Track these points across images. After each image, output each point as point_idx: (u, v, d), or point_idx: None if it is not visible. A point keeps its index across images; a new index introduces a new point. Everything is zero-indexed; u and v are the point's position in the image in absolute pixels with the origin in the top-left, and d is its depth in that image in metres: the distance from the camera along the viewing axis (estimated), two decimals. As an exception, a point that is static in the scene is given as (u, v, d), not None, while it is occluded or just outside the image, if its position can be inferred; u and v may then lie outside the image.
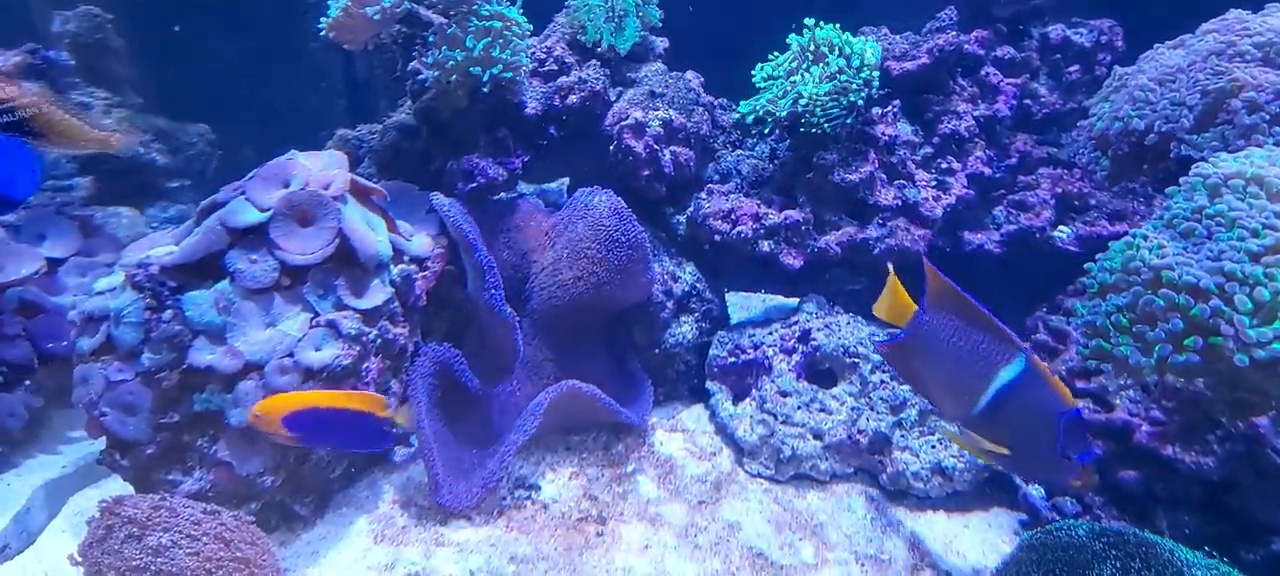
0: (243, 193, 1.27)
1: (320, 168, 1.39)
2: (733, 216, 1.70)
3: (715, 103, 1.91)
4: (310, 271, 1.26)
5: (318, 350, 1.21)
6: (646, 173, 1.71)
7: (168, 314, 1.14)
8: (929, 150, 1.79)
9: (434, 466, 1.28)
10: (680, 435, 1.60)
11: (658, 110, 1.74)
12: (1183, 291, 1.01)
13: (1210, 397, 1.05)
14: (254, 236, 1.23)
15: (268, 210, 1.24)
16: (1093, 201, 1.73)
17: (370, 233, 1.36)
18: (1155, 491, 1.20)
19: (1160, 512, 1.18)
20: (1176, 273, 1.03)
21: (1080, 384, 1.43)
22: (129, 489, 1.19)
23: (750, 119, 1.69)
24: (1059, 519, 1.31)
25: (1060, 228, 1.73)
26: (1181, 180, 1.15)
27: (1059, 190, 1.75)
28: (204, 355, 1.14)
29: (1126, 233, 1.58)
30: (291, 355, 1.18)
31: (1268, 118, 1.20)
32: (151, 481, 1.16)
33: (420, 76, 1.68)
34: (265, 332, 1.19)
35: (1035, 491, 1.39)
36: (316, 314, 1.24)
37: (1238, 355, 0.94)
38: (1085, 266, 1.21)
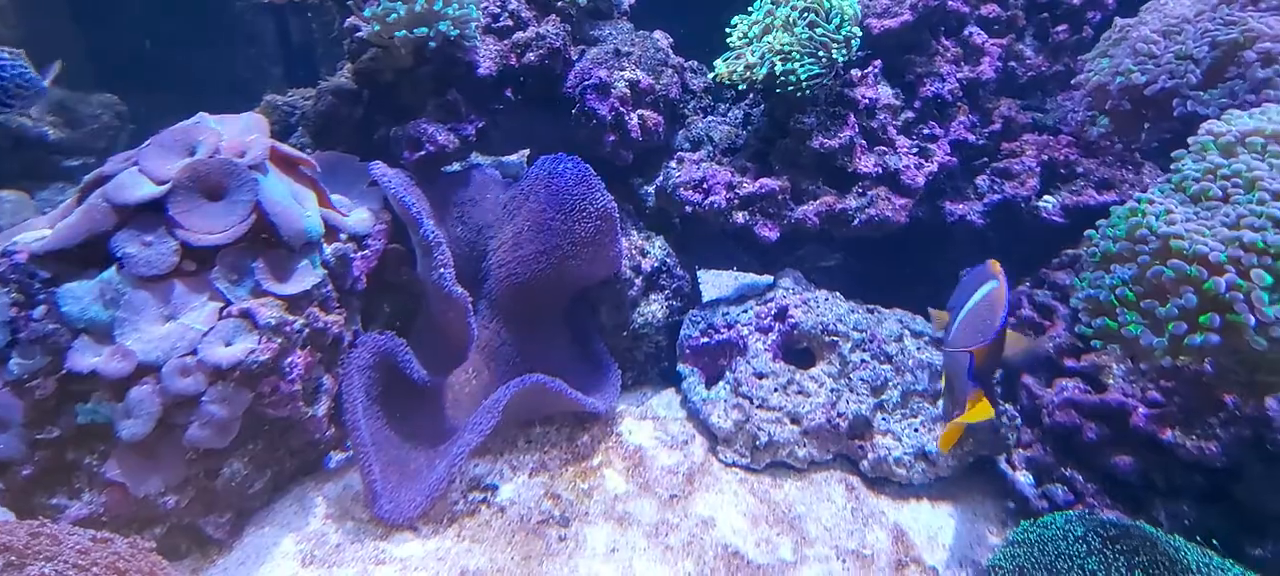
0: (135, 163, 1.09)
1: (234, 133, 1.22)
2: (705, 186, 1.57)
3: (685, 65, 1.78)
4: (220, 253, 1.09)
5: (228, 345, 1.04)
6: (612, 138, 1.57)
7: (40, 310, 0.96)
8: (910, 115, 1.68)
9: (371, 474, 1.14)
10: (650, 422, 1.49)
11: (624, 70, 1.59)
12: (1194, 262, 0.92)
13: (1218, 377, 0.97)
14: (149, 214, 1.06)
15: (166, 182, 1.07)
16: (1079, 169, 1.64)
17: (296, 207, 1.20)
18: (1153, 479, 1.12)
19: (1158, 502, 1.11)
20: (1187, 242, 0.94)
21: (1070, 363, 1.35)
22: (11, 515, 1.02)
23: (718, 78, 1.55)
24: (1049, 507, 1.24)
25: (1045, 198, 1.64)
26: (1190, 139, 1.05)
27: (1045, 157, 1.65)
28: (86, 358, 0.96)
29: (1115, 201, 1.51)
30: (195, 353, 1.01)
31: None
32: (33, 506, 1.00)
33: (359, 33, 1.50)
34: (163, 327, 1.02)
35: (1023, 477, 1.31)
36: (228, 302, 1.07)
37: (1254, 338, 0.85)
38: (1086, 234, 1.12)
